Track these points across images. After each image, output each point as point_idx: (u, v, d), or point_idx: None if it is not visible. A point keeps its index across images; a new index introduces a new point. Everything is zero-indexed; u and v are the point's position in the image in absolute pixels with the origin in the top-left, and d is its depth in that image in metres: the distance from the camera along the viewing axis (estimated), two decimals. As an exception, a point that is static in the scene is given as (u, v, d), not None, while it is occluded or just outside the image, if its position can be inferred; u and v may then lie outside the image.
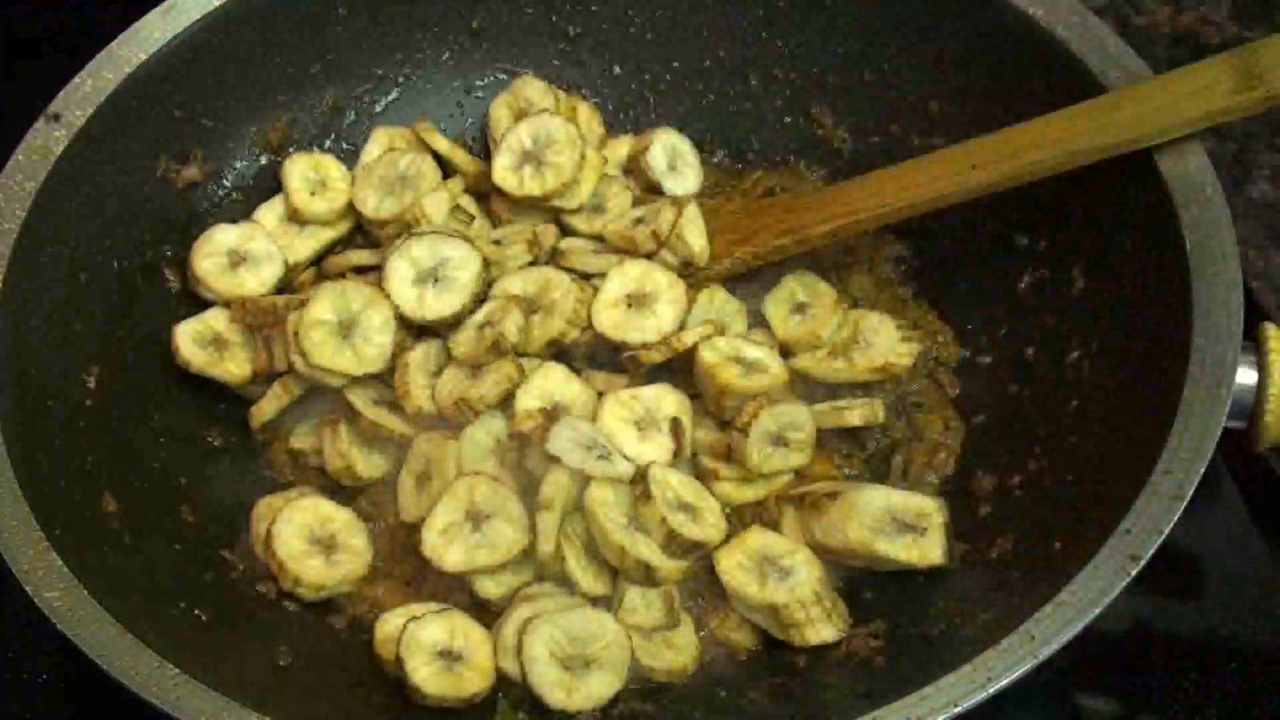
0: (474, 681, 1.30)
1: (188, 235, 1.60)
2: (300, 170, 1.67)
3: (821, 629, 1.33)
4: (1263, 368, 1.28)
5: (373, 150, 1.72)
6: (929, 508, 1.37)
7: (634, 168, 1.72)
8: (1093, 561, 1.14)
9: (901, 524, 1.36)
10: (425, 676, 1.29)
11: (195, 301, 1.59)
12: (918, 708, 1.07)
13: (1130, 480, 1.18)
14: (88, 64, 1.50)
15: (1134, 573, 1.13)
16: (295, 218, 1.66)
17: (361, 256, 1.63)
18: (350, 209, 1.67)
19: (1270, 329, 1.30)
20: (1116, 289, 1.40)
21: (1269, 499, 1.53)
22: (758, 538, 1.40)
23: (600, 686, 1.28)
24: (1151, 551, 1.13)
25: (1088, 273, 1.45)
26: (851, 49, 1.68)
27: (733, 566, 1.38)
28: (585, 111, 1.77)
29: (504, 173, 1.62)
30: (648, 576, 1.34)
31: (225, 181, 1.67)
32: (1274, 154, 1.84)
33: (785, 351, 1.57)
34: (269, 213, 1.67)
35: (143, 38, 1.54)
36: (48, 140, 1.45)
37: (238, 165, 1.68)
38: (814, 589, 1.34)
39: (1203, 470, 1.17)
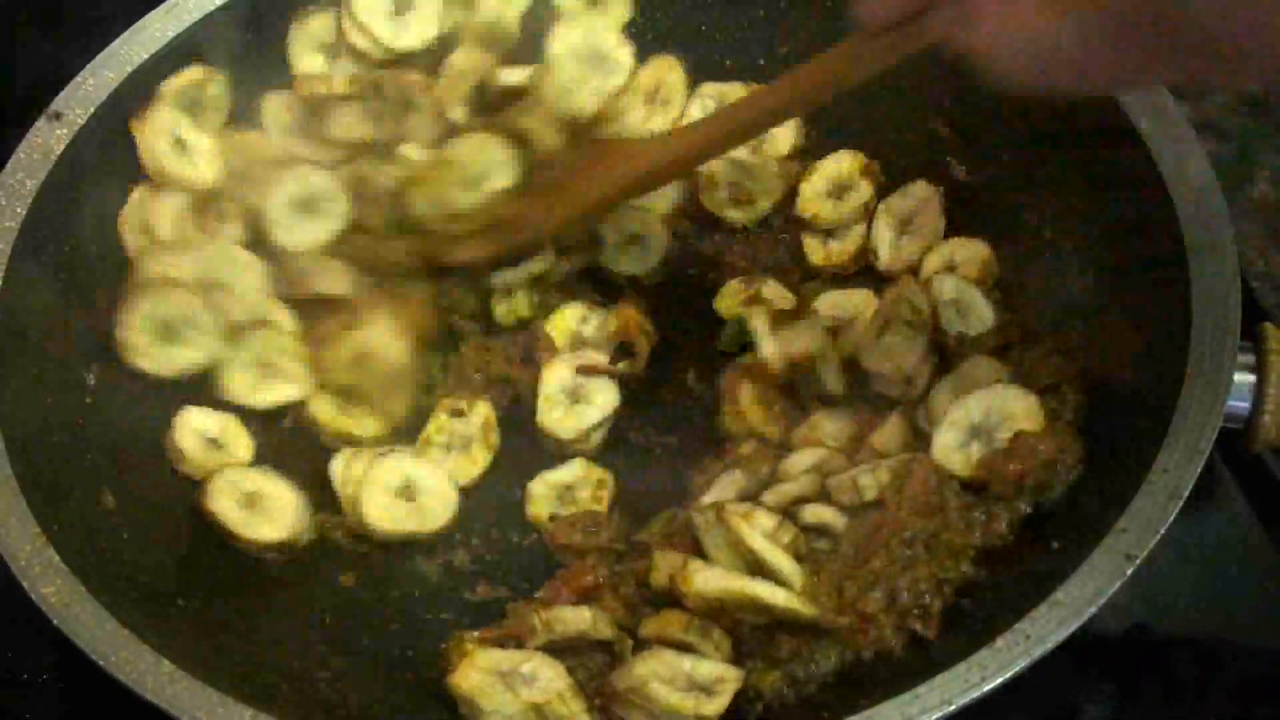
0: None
1: (188, 234, 1.60)
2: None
3: None
4: (1261, 368, 1.27)
5: None
6: None
7: None
8: (1089, 560, 1.13)
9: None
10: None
11: (196, 300, 1.59)
12: (911, 706, 1.07)
13: (1128, 479, 1.18)
14: (89, 63, 1.51)
15: (1130, 572, 1.12)
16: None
17: None
18: None
19: (1270, 329, 1.29)
20: (1116, 289, 1.40)
21: (1269, 499, 1.52)
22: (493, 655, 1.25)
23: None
24: (1148, 551, 1.13)
25: (1087, 272, 1.45)
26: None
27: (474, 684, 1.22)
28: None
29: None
30: None
31: (226, 181, 1.67)
32: (1275, 154, 1.83)
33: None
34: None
35: (144, 37, 1.54)
36: (49, 138, 1.45)
37: (239, 164, 1.68)
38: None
39: (1199, 469, 1.16)
